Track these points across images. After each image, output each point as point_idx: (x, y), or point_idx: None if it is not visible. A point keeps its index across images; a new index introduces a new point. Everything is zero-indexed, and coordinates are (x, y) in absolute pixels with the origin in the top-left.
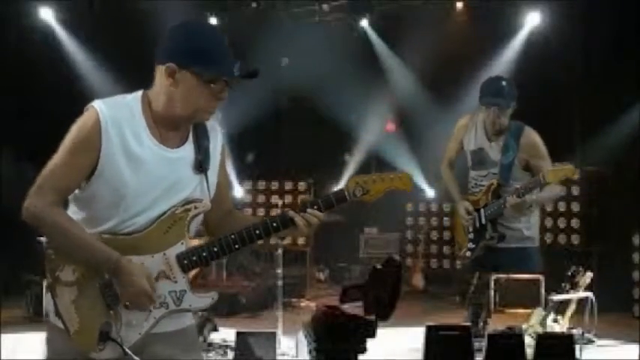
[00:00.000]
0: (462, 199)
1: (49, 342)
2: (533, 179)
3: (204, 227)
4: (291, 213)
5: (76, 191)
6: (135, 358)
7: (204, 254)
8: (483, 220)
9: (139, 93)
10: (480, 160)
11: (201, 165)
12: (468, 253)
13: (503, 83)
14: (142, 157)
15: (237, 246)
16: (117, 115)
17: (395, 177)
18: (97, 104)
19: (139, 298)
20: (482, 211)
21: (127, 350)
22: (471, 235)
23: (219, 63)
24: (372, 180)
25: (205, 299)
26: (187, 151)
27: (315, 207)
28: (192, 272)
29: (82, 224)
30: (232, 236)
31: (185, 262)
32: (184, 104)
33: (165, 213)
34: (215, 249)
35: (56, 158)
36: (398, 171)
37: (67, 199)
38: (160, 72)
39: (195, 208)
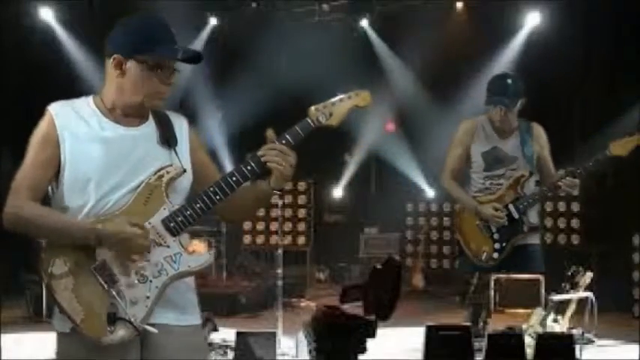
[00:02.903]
0: (479, 202)
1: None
2: (593, 158)
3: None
4: (261, 152)
5: (54, 195)
6: (150, 329)
7: (188, 212)
8: (516, 215)
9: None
10: (496, 159)
11: (167, 140)
12: (496, 255)
13: (509, 81)
14: (101, 137)
15: (218, 197)
16: (67, 107)
17: (352, 95)
18: (50, 105)
19: (135, 245)
20: (511, 205)
21: (138, 326)
22: (497, 235)
23: (161, 49)
24: (332, 103)
25: (203, 256)
26: (149, 127)
27: (284, 141)
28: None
29: None
30: (211, 188)
31: (172, 224)
32: (133, 92)
33: (139, 186)
34: (198, 205)
35: (24, 161)
36: (355, 89)
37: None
38: (108, 64)
39: (168, 172)
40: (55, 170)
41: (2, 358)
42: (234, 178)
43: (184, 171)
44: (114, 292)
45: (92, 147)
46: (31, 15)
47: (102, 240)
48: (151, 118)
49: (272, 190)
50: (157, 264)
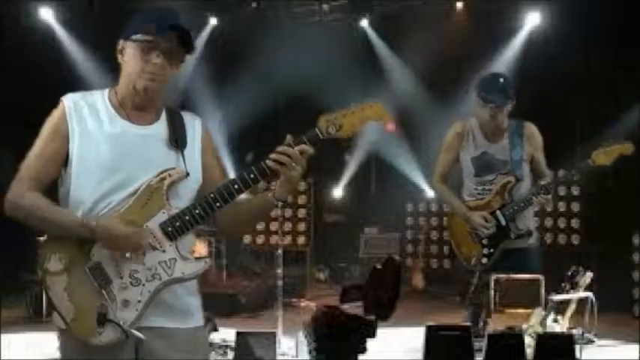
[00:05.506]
0: (469, 207)
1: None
2: (576, 168)
3: (213, 223)
4: (266, 161)
5: (60, 188)
6: (137, 334)
7: (187, 218)
8: (503, 222)
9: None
10: (486, 164)
11: (176, 142)
12: (485, 260)
13: (501, 80)
14: (110, 134)
15: (218, 204)
16: (81, 100)
17: (365, 107)
18: (64, 96)
19: (129, 243)
20: (498, 212)
21: (126, 329)
22: (486, 241)
23: (145, 25)
24: (342, 115)
25: (198, 264)
26: (159, 128)
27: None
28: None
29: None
30: (211, 195)
31: (169, 229)
32: (127, 76)
33: (140, 187)
34: (197, 210)
35: (32, 151)
36: (368, 101)
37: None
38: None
39: (170, 176)
40: (61, 163)
41: (2, 358)
42: (235, 186)
43: (187, 175)
44: (105, 294)
45: (100, 143)
46: (31, 15)
47: (95, 235)
48: (163, 117)
49: (275, 201)
50: (150, 268)
